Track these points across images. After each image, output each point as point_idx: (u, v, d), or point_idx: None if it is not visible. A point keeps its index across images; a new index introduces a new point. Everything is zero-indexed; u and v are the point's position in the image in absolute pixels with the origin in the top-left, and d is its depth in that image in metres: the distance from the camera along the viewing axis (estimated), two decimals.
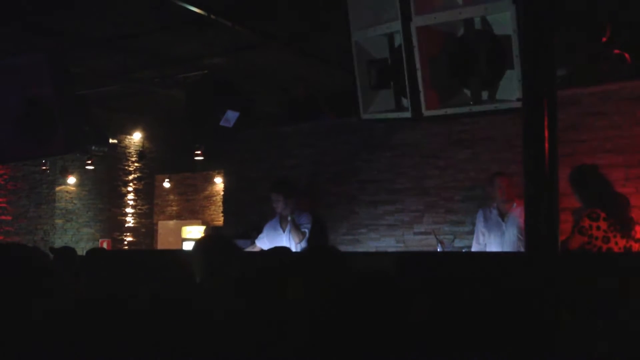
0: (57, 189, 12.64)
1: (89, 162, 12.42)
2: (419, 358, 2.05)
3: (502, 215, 5.55)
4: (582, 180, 4.44)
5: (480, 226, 5.69)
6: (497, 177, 5.55)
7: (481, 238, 5.67)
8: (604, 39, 5.93)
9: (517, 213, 5.40)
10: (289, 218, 5.95)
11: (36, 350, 1.77)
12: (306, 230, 5.97)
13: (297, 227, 5.92)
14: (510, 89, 3.70)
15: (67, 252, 6.19)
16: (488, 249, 5.54)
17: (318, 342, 1.91)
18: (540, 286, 2.69)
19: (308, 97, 8.13)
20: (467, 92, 3.88)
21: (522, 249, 5.19)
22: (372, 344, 1.91)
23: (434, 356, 2.30)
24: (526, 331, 2.32)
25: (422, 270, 2.92)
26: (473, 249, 5.73)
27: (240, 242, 6.33)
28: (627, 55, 5.90)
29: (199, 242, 3.23)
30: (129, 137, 14.09)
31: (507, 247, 5.40)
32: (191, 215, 14.31)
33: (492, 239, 5.55)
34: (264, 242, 6.08)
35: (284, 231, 6.02)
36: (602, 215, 4.16)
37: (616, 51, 5.94)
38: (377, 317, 1.97)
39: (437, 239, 5.99)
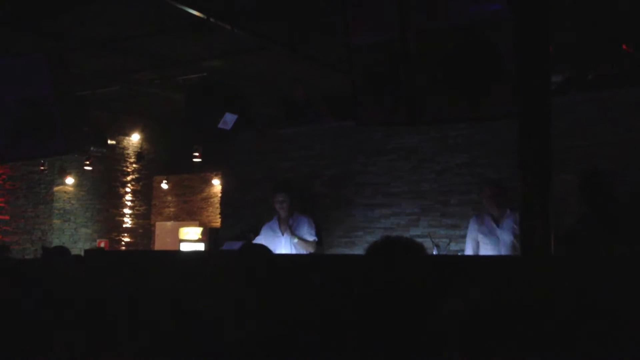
0: (55, 189, 12.67)
1: (88, 162, 12.45)
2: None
3: (497, 222, 5.57)
4: (583, 184, 4.48)
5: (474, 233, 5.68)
6: (485, 187, 5.61)
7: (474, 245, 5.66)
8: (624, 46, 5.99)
9: (512, 219, 5.41)
10: (295, 240, 5.82)
11: None
12: (315, 238, 5.89)
13: (304, 242, 5.83)
14: (506, 95, 3.75)
15: (61, 251, 6.27)
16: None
17: None
18: (535, 290, 2.73)
19: (306, 99, 8.17)
20: (464, 97, 3.93)
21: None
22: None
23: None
24: (521, 334, 2.35)
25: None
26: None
27: (236, 244, 6.34)
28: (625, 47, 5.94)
29: (243, 252, 3.07)
30: (127, 138, 14.12)
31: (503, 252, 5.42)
32: (189, 216, 14.34)
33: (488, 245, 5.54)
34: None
35: (282, 234, 5.98)
36: (595, 220, 4.21)
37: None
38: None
39: (432, 242, 6.03)
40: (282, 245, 5.90)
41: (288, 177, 7.03)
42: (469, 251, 5.70)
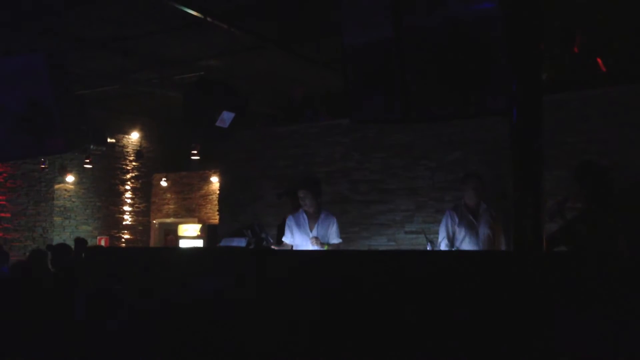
0: (56, 187, 12.73)
1: (88, 160, 12.50)
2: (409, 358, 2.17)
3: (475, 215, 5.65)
4: (581, 176, 4.54)
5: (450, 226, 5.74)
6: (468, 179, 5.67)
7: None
8: (575, 49, 6.05)
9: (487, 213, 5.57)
10: (325, 248, 5.55)
11: None
12: (341, 240, 5.73)
13: (333, 246, 5.64)
14: (498, 93, 3.82)
15: (63, 248, 6.40)
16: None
17: None
18: (527, 285, 2.80)
19: (303, 98, 8.24)
20: (456, 95, 4.00)
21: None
22: None
23: (422, 357, 2.41)
24: (515, 331, 2.41)
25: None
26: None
27: (235, 241, 6.41)
28: (599, 61, 6.00)
29: None
30: (127, 136, 14.19)
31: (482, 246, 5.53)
32: (187, 213, 14.41)
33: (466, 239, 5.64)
34: (291, 240, 5.75)
35: (312, 231, 5.68)
36: (593, 211, 4.29)
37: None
38: None
39: (426, 238, 6.11)
40: (311, 244, 5.61)
41: (283, 175, 7.11)
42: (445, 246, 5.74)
